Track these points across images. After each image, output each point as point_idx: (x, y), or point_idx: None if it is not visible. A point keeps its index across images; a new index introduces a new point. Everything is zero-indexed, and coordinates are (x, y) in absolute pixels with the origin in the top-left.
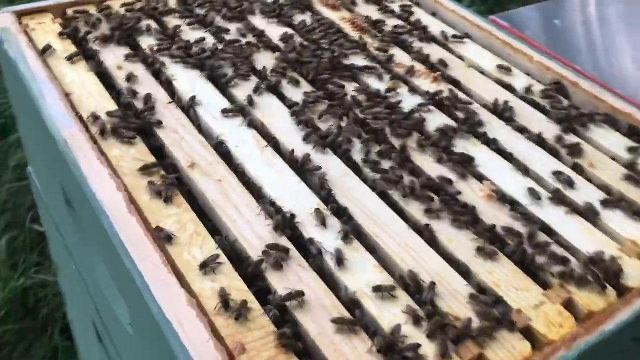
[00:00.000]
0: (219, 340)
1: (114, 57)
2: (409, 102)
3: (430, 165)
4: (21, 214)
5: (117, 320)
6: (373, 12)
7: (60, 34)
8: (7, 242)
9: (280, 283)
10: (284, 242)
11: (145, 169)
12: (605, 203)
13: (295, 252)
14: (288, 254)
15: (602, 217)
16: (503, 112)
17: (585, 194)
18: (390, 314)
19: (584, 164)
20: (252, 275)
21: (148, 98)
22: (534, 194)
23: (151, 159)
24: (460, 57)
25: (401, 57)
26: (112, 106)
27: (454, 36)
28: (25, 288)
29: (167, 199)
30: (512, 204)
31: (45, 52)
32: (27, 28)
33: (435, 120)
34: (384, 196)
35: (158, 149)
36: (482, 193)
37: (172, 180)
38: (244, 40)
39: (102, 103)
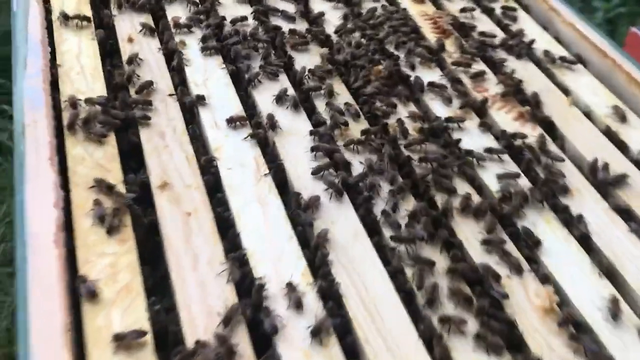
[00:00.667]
0: None
1: (130, 25)
2: (474, 141)
3: (475, 246)
4: None
5: None
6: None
7: None
8: None
9: None
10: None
11: (98, 186)
12: None
13: (247, 347)
14: (232, 357)
15: None
16: (602, 181)
17: None
18: None
19: None
20: None
21: (144, 86)
22: (613, 315)
23: (115, 168)
24: (565, 90)
25: (484, 77)
26: (102, 89)
27: (563, 59)
28: None
29: (110, 229)
30: (578, 328)
31: (50, 16)
32: None
33: (503, 174)
34: (398, 276)
35: (135, 153)
36: (537, 301)
37: (126, 202)
38: (288, 27)
39: (90, 83)
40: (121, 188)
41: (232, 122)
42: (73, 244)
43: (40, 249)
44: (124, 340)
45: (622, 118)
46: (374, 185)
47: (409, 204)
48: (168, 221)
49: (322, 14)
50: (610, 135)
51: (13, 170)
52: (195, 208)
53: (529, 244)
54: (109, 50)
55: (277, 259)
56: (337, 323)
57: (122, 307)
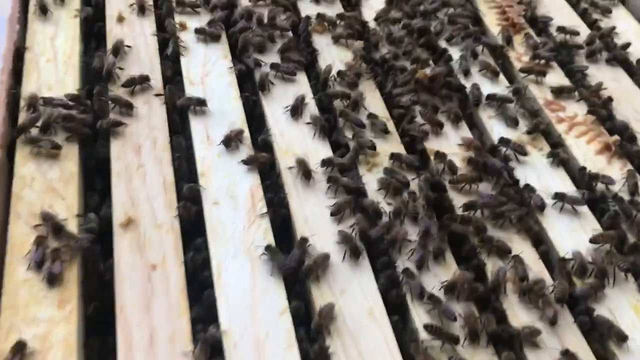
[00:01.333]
0: None
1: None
2: (541, 181)
3: (535, 345)
4: None
5: None
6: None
7: None
8: None
9: None
10: None
11: (44, 223)
12: None
13: None
14: None
15: None
16: None
17: None
18: None
19: None
20: None
21: (133, 82)
22: None
23: (71, 193)
24: None
25: (565, 92)
26: (74, 82)
27: None
28: None
29: (50, 277)
30: None
31: None
32: None
33: (575, 233)
34: None
35: (101, 170)
36: None
37: (77, 246)
38: (315, 11)
39: (61, 74)
40: (74, 223)
41: (228, 141)
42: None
43: None
44: None
45: None
46: (400, 241)
47: (448, 270)
48: (125, 276)
49: None
50: None
51: None
52: (163, 259)
53: (608, 339)
54: (95, 32)
55: (260, 342)
56: None
57: None
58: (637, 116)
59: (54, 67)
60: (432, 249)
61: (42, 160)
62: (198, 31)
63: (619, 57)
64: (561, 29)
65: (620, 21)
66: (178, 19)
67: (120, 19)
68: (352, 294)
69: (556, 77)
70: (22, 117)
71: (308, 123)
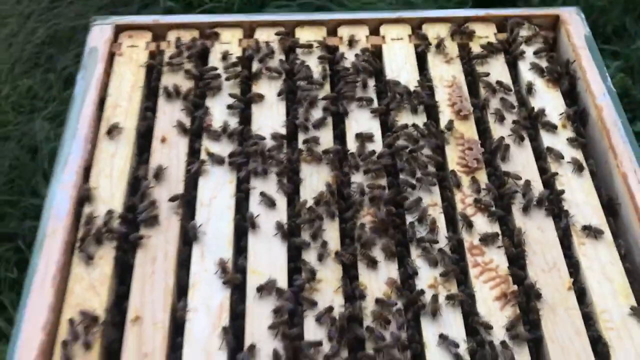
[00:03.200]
0: None
1: (169, 119)
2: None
3: None
4: None
5: None
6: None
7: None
8: None
9: None
10: None
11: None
12: None
13: None
14: None
15: None
16: None
17: None
18: None
19: None
20: None
21: (148, 206)
22: None
23: (103, 292)
24: (575, 266)
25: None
26: (121, 196)
27: (588, 228)
28: None
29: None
30: None
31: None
32: (117, 49)
33: None
34: None
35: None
36: None
37: (85, 340)
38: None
39: (114, 191)
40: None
41: (226, 282)
42: None
43: None
44: None
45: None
46: None
47: None
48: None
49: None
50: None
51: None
52: (153, 350)
53: None
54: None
55: None
56: None
57: None
58: (547, 267)
59: (110, 183)
60: None
61: (88, 263)
62: (216, 159)
63: (555, 210)
64: (506, 174)
65: (579, 193)
66: (206, 142)
67: (163, 140)
68: None
69: (487, 223)
70: (81, 230)
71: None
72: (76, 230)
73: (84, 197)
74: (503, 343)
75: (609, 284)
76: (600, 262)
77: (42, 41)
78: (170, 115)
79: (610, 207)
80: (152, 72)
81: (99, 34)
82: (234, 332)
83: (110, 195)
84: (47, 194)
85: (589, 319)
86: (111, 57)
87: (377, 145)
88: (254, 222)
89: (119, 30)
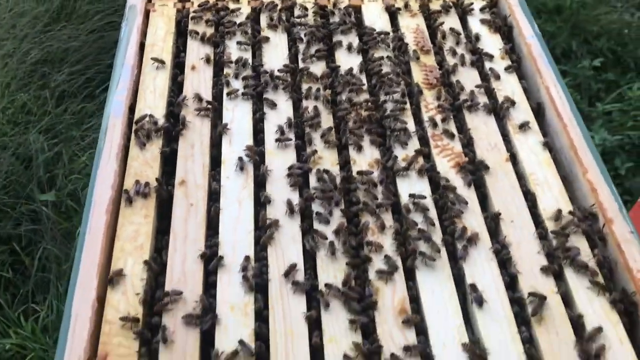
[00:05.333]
0: (94, 343)
1: (196, 54)
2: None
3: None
4: None
5: None
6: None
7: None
8: None
9: (169, 318)
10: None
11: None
12: None
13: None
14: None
15: None
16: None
17: (507, 351)
18: None
19: (533, 319)
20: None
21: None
22: None
23: (155, 166)
24: (509, 145)
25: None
26: (162, 106)
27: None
28: None
29: (129, 200)
30: (418, 332)
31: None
32: (151, 7)
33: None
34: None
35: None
36: (397, 304)
37: (145, 190)
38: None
39: (158, 101)
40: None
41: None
42: (116, 216)
43: (97, 214)
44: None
45: (544, 182)
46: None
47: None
48: (177, 206)
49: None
50: (527, 195)
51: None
52: (197, 201)
53: None
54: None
55: (233, 244)
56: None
57: (135, 257)
58: (489, 147)
59: (154, 97)
60: None
61: (142, 148)
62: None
63: (496, 112)
64: (459, 87)
65: (515, 98)
66: (226, 71)
67: (193, 67)
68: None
69: (445, 121)
70: (135, 125)
71: None
72: (130, 126)
73: (133, 104)
74: (456, 194)
75: (535, 157)
76: (529, 144)
77: (37, 61)
78: (196, 52)
79: (538, 109)
80: (181, 23)
81: None
82: (256, 191)
83: (154, 104)
84: (107, 101)
85: (521, 178)
86: (147, 13)
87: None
88: (263, 120)
89: None
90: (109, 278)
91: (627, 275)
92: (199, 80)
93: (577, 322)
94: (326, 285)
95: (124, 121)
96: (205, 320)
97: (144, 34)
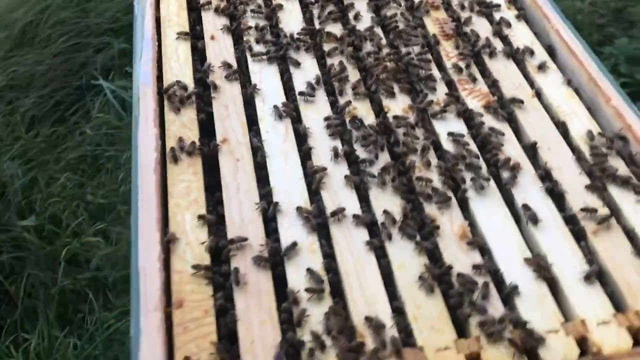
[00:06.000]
0: (166, 294)
1: (213, 26)
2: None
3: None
4: None
5: None
6: None
7: None
8: None
9: (237, 263)
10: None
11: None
12: (584, 277)
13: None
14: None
15: (567, 288)
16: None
17: (567, 259)
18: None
19: (588, 229)
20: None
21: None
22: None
23: (194, 128)
24: (532, 84)
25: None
26: (190, 73)
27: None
28: None
29: (175, 159)
30: (483, 252)
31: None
32: None
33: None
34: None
35: (209, 116)
36: (457, 230)
37: (189, 149)
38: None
39: (183, 68)
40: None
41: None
42: (165, 172)
43: (145, 174)
44: None
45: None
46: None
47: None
48: (224, 161)
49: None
50: (557, 123)
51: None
52: (242, 156)
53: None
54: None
55: (290, 187)
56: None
57: (192, 211)
58: (514, 87)
59: (179, 65)
60: None
61: (177, 112)
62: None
63: (514, 56)
64: (475, 35)
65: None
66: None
67: (212, 37)
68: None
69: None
70: (167, 91)
71: None
72: (160, 95)
73: (160, 75)
74: (491, 128)
75: (558, 91)
76: (550, 81)
77: (2, 87)
78: (212, 23)
79: (550, 51)
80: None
81: None
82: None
83: (181, 73)
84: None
85: (549, 111)
86: None
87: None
88: (292, 79)
89: None
90: (171, 233)
91: None
92: (220, 48)
93: (632, 234)
94: (385, 214)
95: (154, 89)
96: (275, 260)
97: (157, 9)
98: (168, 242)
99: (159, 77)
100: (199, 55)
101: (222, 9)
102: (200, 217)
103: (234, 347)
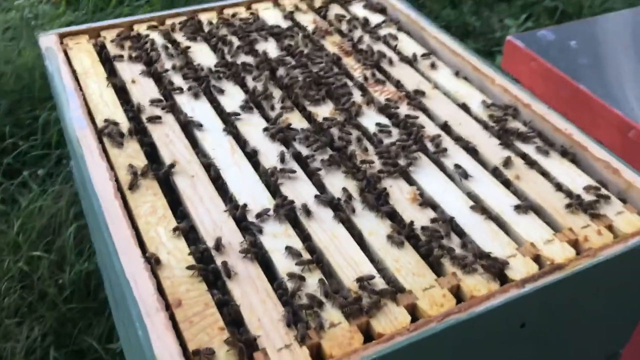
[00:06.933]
0: (162, 295)
1: (130, 72)
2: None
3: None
4: None
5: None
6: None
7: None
8: (75, 229)
9: (221, 258)
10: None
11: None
12: (517, 208)
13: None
14: None
15: (511, 222)
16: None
17: (503, 201)
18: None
19: (510, 176)
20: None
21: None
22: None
23: (141, 157)
24: (429, 79)
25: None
26: (121, 114)
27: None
28: (88, 272)
29: (131, 186)
30: (435, 208)
31: (75, 72)
32: (66, 47)
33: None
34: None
35: (151, 147)
36: (408, 196)
37: (144, 172)
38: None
39: (114, 110)
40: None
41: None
42: (125, 197)
43: (107, 202)
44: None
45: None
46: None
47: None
48: (179, 180)
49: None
50: (458, 103)
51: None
52: (195, 172)
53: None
54: (119, 89)
55: (251, 191)
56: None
57: (162, 225)
58: (415, 84)
59: (108, 108)
60: None
61: (119, 147)
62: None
63: (409, 61)
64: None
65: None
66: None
67: (133, 81)
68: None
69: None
70: (104, 131)
71: None
72: (99, 135)
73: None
74: (407, 115)
75: (451, 82)
76: (442, 76)
77: None
78: (129, 70)
79: (434, 54)
80: (101, 54)
81: (48, 39)
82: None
83: (112, 114)
84: (65, 119)
85: (449, 96)
86: (64, 52)
87: None
88: (219, 103)
89: (61, 37)
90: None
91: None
92: (144, 89)
93: (545, 175)
94: (344, 191)
95: (92, 130)
96: (259, 251)
97: (70, 65)
98: (149, 259)
99: (92, 120)
100: (123, 98)
101: (135, 57)
102: (175, 229)
103: (241, 329)
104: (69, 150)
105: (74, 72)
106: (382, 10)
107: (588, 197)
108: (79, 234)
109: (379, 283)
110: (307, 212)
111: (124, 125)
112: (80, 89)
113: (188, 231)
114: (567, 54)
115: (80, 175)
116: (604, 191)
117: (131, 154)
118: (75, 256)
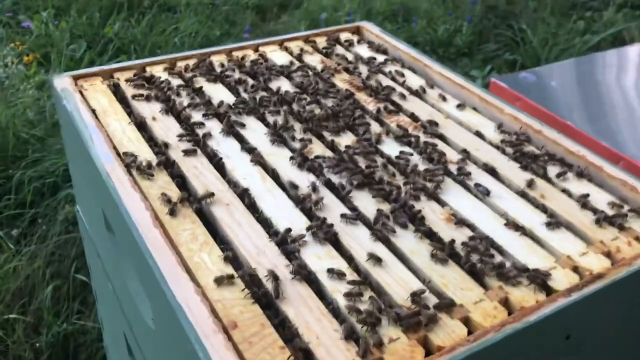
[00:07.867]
0: (217, 318)
1: (149, 110)
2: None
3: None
4: (66, 265)
5: (143, 322)
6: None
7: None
8: (52, 290)
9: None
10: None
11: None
12: (548, 225)
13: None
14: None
15: (545, 237)
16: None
17: (533, 218)
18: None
19: (536, 195)
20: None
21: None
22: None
23: (173, 188)
24: (440, 110)
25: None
26: (146, 148)
27: (441, 96)
28: (67, 334)
29: (172, 212)
30: (470, 227)
31: (94, 111)
32: (81, 88)
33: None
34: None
35: (181, 179)
36: (442, 216)
37: (182, 201)
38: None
39: (139, 146)
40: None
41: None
42: (165, 228)
43: (146, 231)
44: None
45: (481, 122)
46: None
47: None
48: (215, 208)
49: None
50: (475, 134)
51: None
52: (230, 201)
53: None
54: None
55: (288, 216)
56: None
57: (206, 251)
58: (428, 115)
59: (132, 144)
60: None
61: (149, 178)
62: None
63: (418, 94)
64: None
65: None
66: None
67: (154, 119)
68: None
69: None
70: (132, 165)
71: None
72: (126, 167)
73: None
74: (426, 142)
75: (461, 112)
76: (451, 106)
77: None
78: (148, 108)
79: (432, 85)
80: (116, 94)
81: (62, 80)
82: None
83: (137, 149)
84: (91, 156)
85: (462, 125)
86: (80, 93)
87: None
88: (242, 136)
89: (75, 78)
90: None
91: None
92: (166, 126)
93: (568, 193)
94: (379, 212)
95: (120, 164)
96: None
97: (88, 104)
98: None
99: (118, 155)
100: (147, 135)
101: (154, 96)
102: (225, 257)
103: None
104: (74, 194)
105: (93, 111)
106: (384, 51)
107: (612, 212)
108: (56, 294)
109: (431, 298)
110: (344, 234)
111: (152, 159)
112: (102, 127)
113: (233, 258)
114: (550, 93)
115: (110, 210)
116: (626, 207)
117: (163, 185)
118: (52, 317)
